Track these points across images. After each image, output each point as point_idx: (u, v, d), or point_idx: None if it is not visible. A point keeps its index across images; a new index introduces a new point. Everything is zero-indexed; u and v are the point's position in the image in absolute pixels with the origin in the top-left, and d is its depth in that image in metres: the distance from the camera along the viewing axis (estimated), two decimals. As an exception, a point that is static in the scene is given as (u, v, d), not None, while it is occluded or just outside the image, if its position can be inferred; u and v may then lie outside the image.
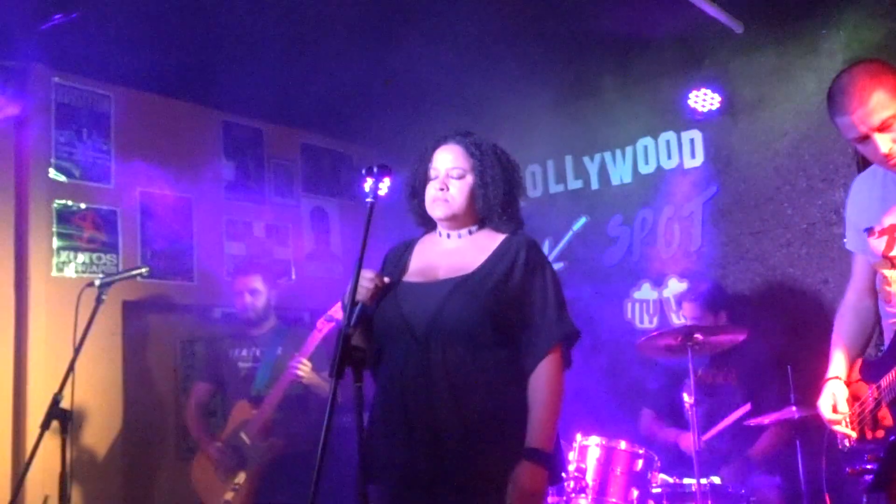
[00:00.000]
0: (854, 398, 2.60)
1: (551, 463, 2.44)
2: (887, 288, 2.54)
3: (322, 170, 6.04)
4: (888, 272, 2.54)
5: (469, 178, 2.59)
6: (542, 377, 2.44)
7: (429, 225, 2.75)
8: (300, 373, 4.23)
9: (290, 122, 5.77)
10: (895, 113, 2.38)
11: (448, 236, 2.66)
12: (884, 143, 2.41)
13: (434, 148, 2.66)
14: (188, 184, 5.13)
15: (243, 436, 4.36)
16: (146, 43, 4.36)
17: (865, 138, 2.43)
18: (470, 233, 2.64)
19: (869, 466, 2.46)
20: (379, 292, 2.53)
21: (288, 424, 4.39)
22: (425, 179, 2.65)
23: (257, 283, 4.61)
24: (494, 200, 2.59)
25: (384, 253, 2.78)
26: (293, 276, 5.38)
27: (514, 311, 2.48)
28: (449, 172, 2.60)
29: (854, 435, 2.55)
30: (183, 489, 4.67)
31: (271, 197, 5.70)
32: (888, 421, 2.35)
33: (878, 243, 2.57)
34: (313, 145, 6.00)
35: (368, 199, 2.42)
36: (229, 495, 4.30)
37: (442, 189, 2.59)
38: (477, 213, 2.62)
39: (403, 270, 2.65)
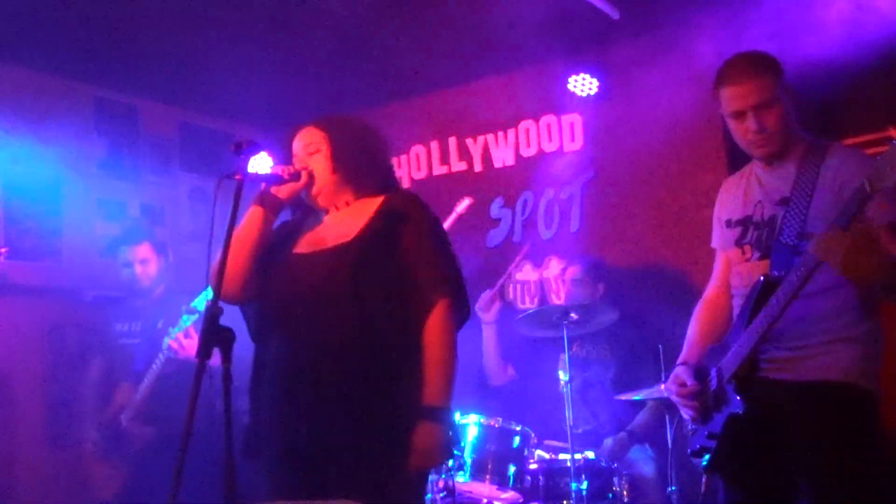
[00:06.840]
0: (701, 382, 2.71)
1: (449, 419, 2.42)
2: (736, 280, 2.66)
3: (202, 148, 5.85)
4: (738, 265, 2.67)
5: (325, 150, 2.58)
6: (430, 331, 2.43)
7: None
8: (174, 345, 3.98)
9: (167, 98, 5.56)
10: (770, 99, 2.53)
11: (328, 212, 2.66)
12: (755, 122, 2.54)
13: (291, 139, 2.66)
14: (57, 162, 4.87)
15: (122, 420, 4.14)
16: (7, 11, 4.09)
17: (743, 114, 2.55)
18: (347, 204, 2.63)
19: (708, 445, 2.58)
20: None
21: (166, 408, 4.06)
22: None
23: (146, 251, 4.36)
24: (355, 163, 2.59)
25: None
26: (171, 258, 5.22)
27: (398, 270, 2.46)
28: (306, 152, 2.60)
29: (693, 414, 2.67)
30: (53, 480, 4.47)
31: (147, 176, 5.51)
32: (727, 400, 2.47)
33: (733, 233, 2.71)
34: (193, 123, 5.82)
35: (236, 176, 2.38)
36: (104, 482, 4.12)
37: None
38: (344, 183, 2.61)
39: (294, 243, 2.63)
